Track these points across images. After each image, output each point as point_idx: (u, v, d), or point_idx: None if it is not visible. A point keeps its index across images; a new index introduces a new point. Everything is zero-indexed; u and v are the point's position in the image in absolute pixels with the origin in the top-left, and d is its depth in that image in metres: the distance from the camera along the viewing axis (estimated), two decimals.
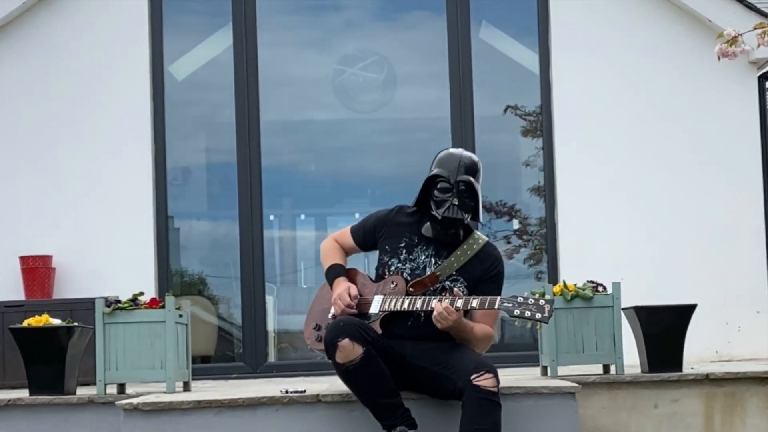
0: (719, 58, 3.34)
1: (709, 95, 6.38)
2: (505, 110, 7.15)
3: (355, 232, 4.00)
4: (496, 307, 3.47)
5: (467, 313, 3.66)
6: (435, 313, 3.47)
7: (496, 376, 3.38)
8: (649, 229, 6.30)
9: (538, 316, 3.39)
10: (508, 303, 3.44)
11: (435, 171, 3.73)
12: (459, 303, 3.49)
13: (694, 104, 6.41)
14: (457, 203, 3.67)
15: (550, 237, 6.53)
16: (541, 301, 3.41)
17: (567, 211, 6.41)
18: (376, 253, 3.95)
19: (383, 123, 7.61)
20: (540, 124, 6.74)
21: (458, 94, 6.63)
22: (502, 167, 7.43)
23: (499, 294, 3.72)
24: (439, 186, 3.70)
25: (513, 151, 7.42)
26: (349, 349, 3.41)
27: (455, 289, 3.57)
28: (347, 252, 4.02)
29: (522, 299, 3.43)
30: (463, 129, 6.58)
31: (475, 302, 3.50)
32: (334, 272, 3.89)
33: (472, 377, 3.35)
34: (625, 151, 6.40)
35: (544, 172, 6.63)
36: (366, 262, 5.66)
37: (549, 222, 6.56)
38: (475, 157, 3.81)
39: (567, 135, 6.47)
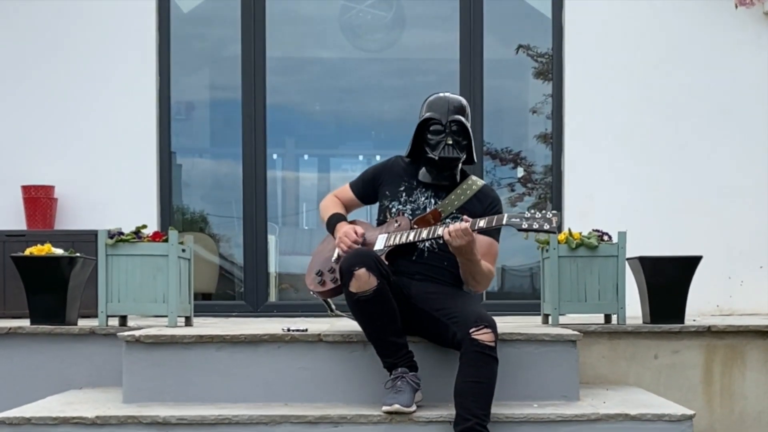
0: (737, 6, 3.28)
1: (722, 46, 6.28)
2: (517, 50, 7.04)
3: (354, 184, 4.07)
4: (504, 222, 3.49)
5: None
6: (452, 228, 3.48)
7: (494, 330, 3.41)
8: (656, 181, 6.25)
9: (546, 227, 3.41)
10: (516, 218, 3.47)
11: (426, 114, 3.80)
12: (482, 223, 3.52)
13: (707, 55, 6.31)
14: (451, 143, 3.74)
15: (556, 185, 6.49)
16: (548, 214, 3.44)
17: (574, 160, 6.35)
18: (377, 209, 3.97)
19: (389, 63, 7.52)
20: (550, 67, 6.65)
21: (468, 36, 6.53)
22: (509, 114, 7.37)
23: (498, 236, 3.78)
24: (431, 129, 3.77)
25: (520, 97, 7.34)
26: (365, 279, 3.42)
27: (464, 216, 3.58)
28: (347, 207, 4.07)
29: (529, 214, 3.46)
30: (471, 72, 6.49)
31: (482, 222, 3.53)
32: (335, 219, 3.93)
33: (470, 330, 3.38)
34: (635, 100, 6.32)
35: (552, 119, 6.55)
36: (368, 219, 5.65)
37: (555, 170, 6.51)
38: (462, 99, 3.89)
39: (577, 82, 6.38)
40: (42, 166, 6.19)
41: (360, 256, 3.50)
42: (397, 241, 3.71)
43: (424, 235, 3.65)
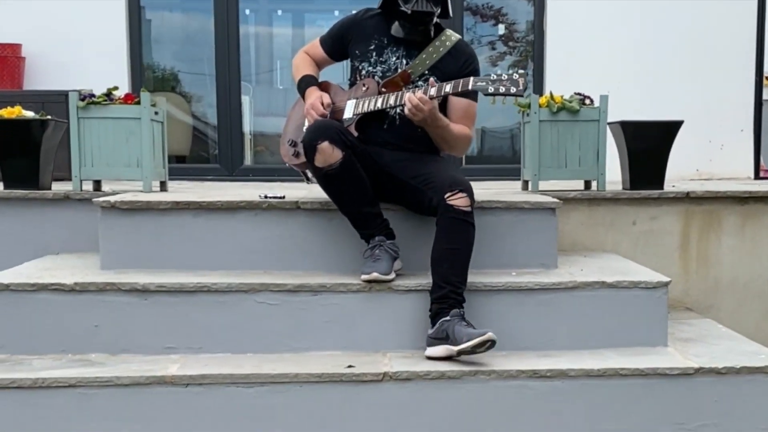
0: None
1: None
2: None
3: (323, 41, 3.91)
4: (469, 87, 3.39)
5: (444, 114, 3.59)
6: (408, 104, 3.40)
7: (470, 195, 3.36)
8: (639, 42, 6.12)
9: (513, 90, 3.34)
10: (482, 82, 3.38)
11: None
12: (432, 91, 3.43)
13: None
14: None
15: (538, 44, 6.35)
16: (515, 75, 3.35)
17: (557, 18, 6.20)
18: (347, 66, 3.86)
19: None
20: None
21: None
22: None
23: (476, 96, 3.67)
24: None
25: None
26: (329, 153, 3.36)
27: (430, 79, 3.49)
28: (319, 64, 3.93)
29: (495, 76, 3.37)
30: None
31: (448, 87, 3.44)
32: (305, 83, 3.81)
33: (446, 195, 3.33)
34: None
35: None
36: (344, 76, 5.51)
37: (537, 28, 6.35)
38: None
39: None
40: (8, 23, 5.96)
41: (322, 129, 3.41)
42: (364, 109, 3.61)
43: (391, 101, 3.55)
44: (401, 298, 3.44)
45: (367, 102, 3.63)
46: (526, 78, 3.38)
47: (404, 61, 3.70)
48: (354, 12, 3.85)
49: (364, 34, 3.76)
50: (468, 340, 3.15)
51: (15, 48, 5.85)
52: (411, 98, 3.39)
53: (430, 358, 3.28)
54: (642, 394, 3.22)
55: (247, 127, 6.85)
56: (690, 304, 4.49)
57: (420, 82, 3.66)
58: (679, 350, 3.47)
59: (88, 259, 3.91)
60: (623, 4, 6.11)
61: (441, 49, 3.69)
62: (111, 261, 3.67)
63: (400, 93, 3.55)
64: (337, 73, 5.20)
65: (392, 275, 3.47)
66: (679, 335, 3.76)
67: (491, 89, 3.35)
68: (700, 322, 4.10)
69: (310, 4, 8.03)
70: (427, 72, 3.67)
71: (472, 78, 3.42)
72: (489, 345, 3.15)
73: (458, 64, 3.69)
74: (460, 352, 3.18)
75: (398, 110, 3.65)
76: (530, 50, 6.58)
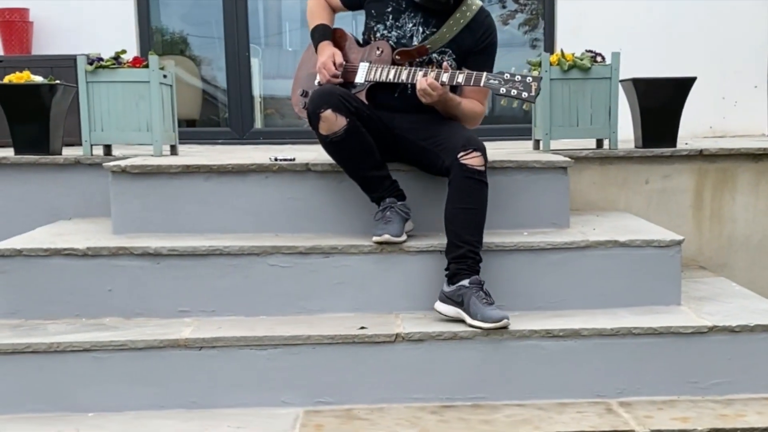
0: None
1: None
2: None
3: None
4: (481, 84, 3.35)
5: (457, 87, 3.54)
6: (419, 87, 3.37)
7: (483, 154, 3.33)
8: None
9: (525, 95, 3.30)
10: (494, 80, 3.33)
11: None
12: (444, 77, 3.38)
13: None
14: None
15: (548, 2, 6.28)
16: (528, 78, 3.30)
17: None
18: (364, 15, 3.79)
19: None
20: None
21: None
22: None
23: (491, 67, 3.61)
24: None
25: None
26: (332, 121, 3.34)
27: (444, 63, 3.44)
28: (334, 9, 3.85)
29: (509, 76, 3.31)
30: None
31: (460, 77, 3.38)
32: (319, 34, 3.74)
33: (459, 155, 3.30)
34: None
35: None
36: (354, 24, 5.45)
37: None
38: None
39: None
40: None
41: (325, 96, 3.37)
42: (376, 77, 3.57)
43: (404, 77, 3.50)
44: (413, 259, 3.43)
45: (379, 71, 3.57)
46: (540, 83, 3.33)
47: (420, 29, 3.62)
48: None
49: None
50: (482, 320, 3.15)
51: (23, 12, 5.83)
52: (421, 81, 3.36)
53: (439, 312, 3.29)
54: (655, 353, 3.22)
55: (256, 90, 6.82)
56: (703, 262, 4.47)
57: (435, 55, 3.59)
58: (692, 309, 3.46)
59: (100, 224, 3.92)
60: None
61: (462, 21, 3.59)
62: (123, 225, 3.68)
63: (412, 71, 3.48)
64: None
65: (403, 237, 3.46)
66: (693, 294, 3.75)
67: (503, 90, 3.31)
68: (713, 281, 4.08)
69: None
70: (444, 47, 3.59)
71: (485, 74, 3.35)
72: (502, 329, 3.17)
73: (475, 38, 3.61)
74: (472, 326, 3.18)
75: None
76: (541, 8, 6.50)
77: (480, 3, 3.67)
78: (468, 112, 3.58)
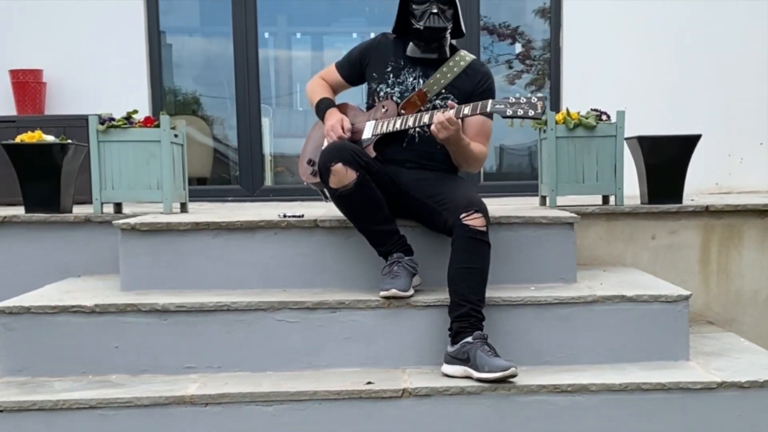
0: None
1: None
2: None
3: (340, 66, 3.96)
4: (488, 109, 3.41)
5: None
6: (437, 121, 3.42)
7: (485, 215, 3.37)
8: (656, 57, 6.12)
9: (531, 113, 3.35)
10: (500, 105, 3.39)
11: None
12: (451, 112, 3.44)
13: None
14: (436, 11, 3.64)
15: (554, 62, 6.36)
16: (533, 99, 3.36)
17: (572, 36, 6.21)
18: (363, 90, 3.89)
19: None
20: None
21: None
22: None
23: (491, 114, 3.68)
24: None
25: None
26: (343, 174, 3.38)
27: (449, 101, 3.52)
28: (334, 89, 3.98)
29: (513, 99, 3.38)
30: None
31: (467, 109, 3.45)
32: (324, 105, 3.85)
33: (461, 215, 3.34)
34: None
35: None
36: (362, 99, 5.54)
37: (553, 46, 6.37)
38: None
39: None
40: (29, 49, 6.06)
41: (336, 150, 3.43)
42: (384, 129, 3.65)
43: (410, 122, 3.58)
44: (420, 313, 3.44)
45: (386, 123, 3.66)
46: (545, 101, 3.39)
47: (421, 81, 3.74)
48: (370, 39, 3.90)
49: (380, 57, 3.81)
50: (489, 371, 3.14)
51: (37, 74, 5.94)
52: (439, 116, 3.42)
53: (446, 375, 3.27)
54: (664, 409, 3.19)
55: (267, 148, 6.89)
56: (711, 317, 4.45)
57: (437, 101, 3.68)
58: (701, 364, 3.44)
59: (109, 281, 3.94)
60: (639, 22, 6.12)
61: (455, 68, 3.73)
62: (131, 282, 3.70)
63: (418, 116, 3.57)
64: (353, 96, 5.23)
65: (411, 291, 3.47)
66: (702, 349, 3.73)
67: (509, 112, 3.36)
68: (722, 336, 4.06)
69: (329, 27, 8.07)
70: (443, 91, 3.70)
71: (490, 101, 3.43)
72: (510, 378, 3.16)
73: (473, 83, 3.72)
74: (480, 380, 3.17)
75: (417, 129, 3.67)
76: (547, 68, 6.59)
77: (473, 56, 3.81)
78: (476, 152, 3.64)
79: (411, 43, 3.75)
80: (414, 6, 3.66)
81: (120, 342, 3.39)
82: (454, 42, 3.83)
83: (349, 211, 3.52)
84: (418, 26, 3.65)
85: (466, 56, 3.78)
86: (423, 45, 3.71)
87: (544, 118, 4.36)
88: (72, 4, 6.08)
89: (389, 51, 3.81)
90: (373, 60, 3.83)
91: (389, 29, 3.84)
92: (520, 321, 3.46)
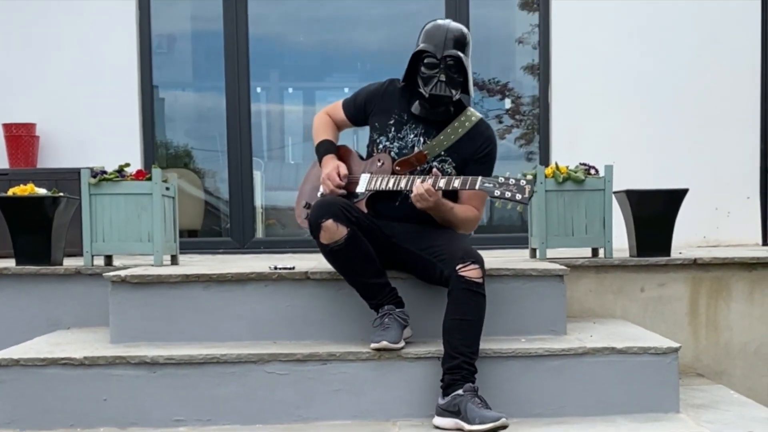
0: None
1: None
2: None
3: (346, 105, 3.94)
4: (477, 187, 3.42)
5: (456, 193, 3.61)
6: (415, 192, 3.45)
7: (482, 266, 3.38)
8: (643, 112, 6.19)
9: (518, 197, 3.35)
10: (489, 183, 3.40)
11: (421, 46, 3.64)
12: (441, 183, 3.46)
13: None
14: (444, 79, 3.60)
15: (543, 117, 6.43)
16: (522, 182, 3.37)
17: (561, 91, 6.29)
18: (366, 129, 3.90)
19: None
20: None
21: None
22: (496, 43, 7.25)
23: (489, 175, 3.68)
24: (425, 62, 3.62)
25: (508, 26, 7.21)
26: (333, 230, 3.39)
27: (434, 169, 3.53)
28: (339, 126, 3.97)
29: (503, 179, 3.39)
30: (457, 1, 6.40)
31: (456, 182, 3.46)
32: (324, 148, 3.85)
33: (457, 267, 3.35)
34: (622, 30, 6.22)
35: (539, 49, 6.46)
36: (355, 139, 5.59)
37: (542, 102, 6.45)
38: (464, 29, 3.68)
39: (564, 12, 6.28)
40: (22, 103, 6.09)
41: (326, 206, 3.45)
42: (376, 186, 3.66)
43: (402, 185, 3.58)
44: (411, 365, 3.44)
45: (379, 180, 3.66)
46: (533, 186, 3.40)
47: (422, 140, 3.73)
48: (379, 82, 3.87)
49: (385, 107, 3.79)
50: (481, 423, 3.13)
51: (29, 127, 5.97)
52: (418, 187, 3.44)
53: (437, 428, 3.26)
54: None
55: (258, 200, 6.92)
56: (701, 369, 4.46)
57: (435, 163, 3.69)
58: (691, 416, 3.44)
59: (99, 333, 3.93)
60: (626, 78, 6.20)
61: (460, 130, 3.71)
62: (121, 335, 3.70)
63: (411, 179, 3.57)
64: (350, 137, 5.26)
65: (401, 343, 3.47)
66: (691, 401, 3.73)
67: (497, 192, 3.37)
68: (711, 388, 4.07)
69: (321, 82, 8.16)
70: (443, 153, 3.69)
71: (480, 178, 3.43)
72: (501, 430, 3.14)
73: (475, 146, 3.71)
74: None
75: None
76: (536, 123, 6.66)
77: (480, 115, 3.78)
78: (461, 217, 3.64)
79: (417, 102, 3.72)
80: (423, 69, 3.61)
81: (109, 395, 3.38)
82: (460, 96, 3.75)
83: (339, 265, 3.53)
84: (423, 91, 3.62)
85: (472, 116, 3.75)
86: (428, 108, 3.70)
87: (533, 171, 4.42)
88: (65, 59, 6.13)
89: (395, 102, 3.78)
90: (377, 108, 3.81)
91: (389, 76, 3.83)
92: (511, 373, 3.46)
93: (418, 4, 7.30)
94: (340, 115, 3.95)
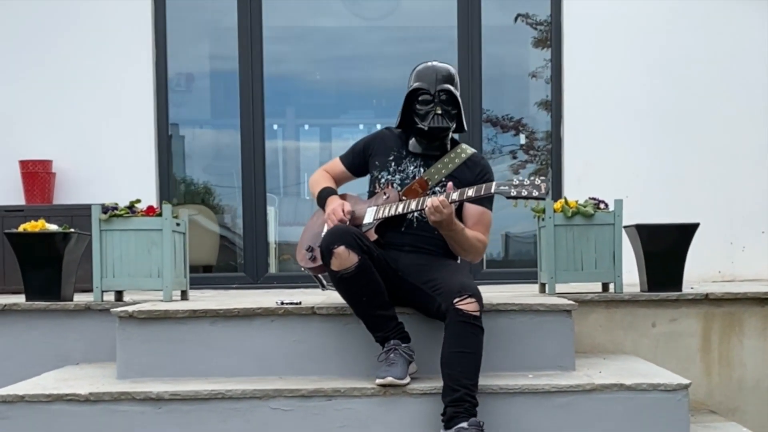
0: None
1: (724, 8, 6.21)
2: (516, 19, 6.96)
3: (344, 157, 4.04)
4: (492, 191, 3.43)
5: (460, 219, 3.64)
6: (429, 205, 3.46)
7: (479, 300, 3.36)
8: (656, 147, 6.19)
9: (535, 193, 3.36)
10: (504, 186, 3.42)
11: (415, 85, 3.78)
12: (455, 195, 3.49)
13: (708, 18, 6.24)
14: (440, 112, 3.72)
15: (555, 152, 6.44)
16: (537, 180, 3.39)
17: (573, 127, 6.31)
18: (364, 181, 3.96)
19: (389, 31, 7.46)
20: (549, 35, 6.58)
21: (466, 2, 6.50)
22: (510, 80, 7.30)
23: (491, 204, 3.74)
24: (420, 98, 3.75)
25: (521, 63, 7.26)
26: (345, 257, 3.40)
27: (449, 183, 3.56)
28: (337, 180, 4.04)
29: (517, 181, 3.40)
30: (470, 39, 6.46)
31: (470, 191, 3.49)
32: (325, 194, 3.91)
33: (454, 300, 3.34)
34: (634, 66, 6.25)
35: (552, 85, 6.50)
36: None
37: (555, 137, 6.47)
38: (451, 68, 3.84)
39: (576, 47, 6.32)
40: (40, 140, 6.19)
41: (339, 233, 3.47)
42: (385, 214, 3.69)
43: (413, 206, 3.62)
44: (416, 401, 3.41)
45: (387, 208, 3.70)
46: (548, 183, 3.42)
47: (422, 170, 3.81)
48: (374, 132, 4.01)
49: (383, 148, 3.90)
50: None
51: (46, 164, 6.05)
52: (433, 200, 3.46)
53: None
54: None
55: (272, 236, 6.96)
56: (713, 406, 4.39)
57: (437, 188, 3.73)
58: None
59: (106, 369, 3.94)
60: (638, 111, 6.21)
61: (456, 160, 3.81)
62: (127, 370, 3.70)
63: (420, 199, 3.61)
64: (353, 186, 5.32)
65: (407, 379, 3.45)
66: None
67: (513, 192, 3.38)
68: (724, 425, 4.00)
69: (337, 119, 8.23)
70: (444, 179, 3.75)
71: (495, 182, 3.47)
72: None
73: (474, 173, 3.79)
74: None
75: (416, 214, 3.71)
76: (549, 158, 6.66)
77: (474, 150, 3.89)
78: (471, 240, 3.65)
79: (413, 139, 3.84)
80: (418, 106, 3.74)
81: (114, 431, 3.37)
82: (455, 136, 3.92)
83: (348, 294, 3.53)
84: (422, 126, 3.72)
85: (467, 149, 3.87)
86: (425, 143, 3.80)
87: (542, 206, 4.41)
88: (83, 96, 6.23)
89: (392, 142, 3.89)
90: (376, 150, 3.91)
91: (395, 120, 3.89)
92: (517, 409, 3.42)
93: (432, 43, 7.39)
94: (339, 167, 4.02)
